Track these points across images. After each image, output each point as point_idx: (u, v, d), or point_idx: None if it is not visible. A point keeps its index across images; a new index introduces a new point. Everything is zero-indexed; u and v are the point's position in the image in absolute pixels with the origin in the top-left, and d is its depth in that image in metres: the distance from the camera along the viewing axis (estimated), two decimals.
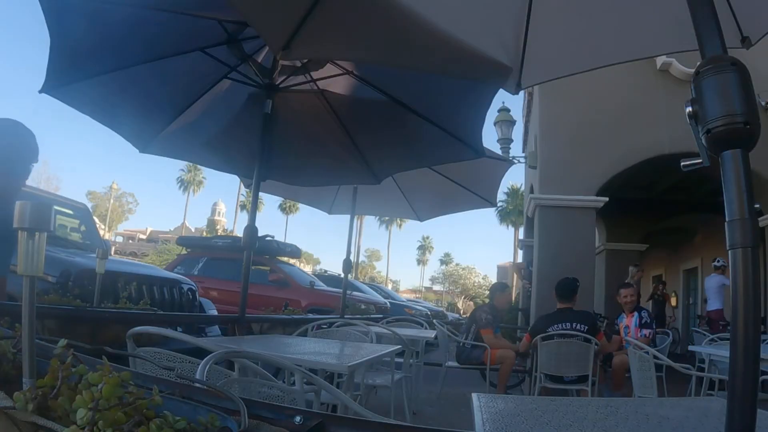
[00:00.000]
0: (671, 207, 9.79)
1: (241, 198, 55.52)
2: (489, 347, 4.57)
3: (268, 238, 8.46)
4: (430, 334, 4.75)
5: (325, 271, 13.54)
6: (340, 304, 8.19)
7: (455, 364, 4.87)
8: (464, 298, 55.50)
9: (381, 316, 7.00)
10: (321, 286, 8.91)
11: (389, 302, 11.08)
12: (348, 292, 10.42)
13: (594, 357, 4.01)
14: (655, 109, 6.70)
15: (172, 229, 64.86)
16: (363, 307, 8.54)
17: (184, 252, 9.61)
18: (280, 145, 3.46)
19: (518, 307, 9.85)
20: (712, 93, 0.88)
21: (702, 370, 3.84)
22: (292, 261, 10.58)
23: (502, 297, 5.14)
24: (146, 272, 4.37)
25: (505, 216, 47.27)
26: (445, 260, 68.45)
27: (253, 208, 3.29)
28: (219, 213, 67.87)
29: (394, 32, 1.88)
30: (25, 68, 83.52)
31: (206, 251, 8.95)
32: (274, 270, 8.48)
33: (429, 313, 12.06)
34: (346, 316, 4.93)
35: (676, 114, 6.23)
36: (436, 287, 67.16)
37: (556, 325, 4.14)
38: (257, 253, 8.37)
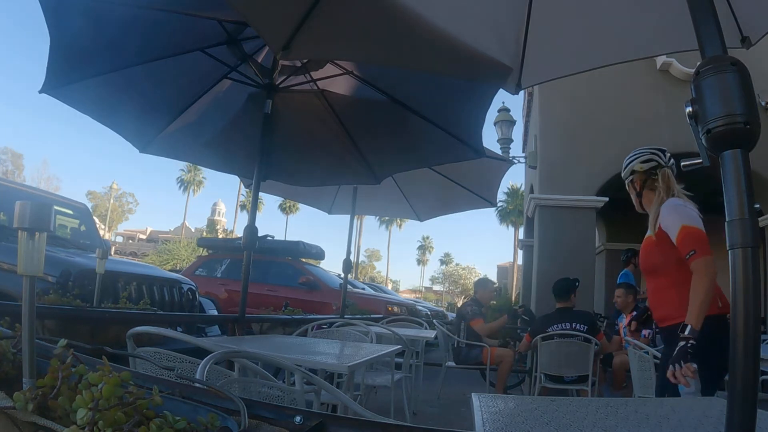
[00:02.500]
0: None
1: (241, 198, 55.57)
2: (483, 338, 4.68)
3: (269, 238, 8.42)
4: (430, 334, 4.75)
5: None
6: (373, 306, 8.16)
7: (455, 364, 4.88)
8: (464, 298, 55.43)
9: (381, 316, 6.98)
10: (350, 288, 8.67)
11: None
12: (383, 294, 10.41)
13: (594, 357, 4.01)
14: (655, 109, 6.69)
15: (172, 229, 64.89)
16: (396, 309, 8.33)
17: (205, 253, 9.39)
18: (280, 145, 3.46)
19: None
20: (712, 93, 0.88)
21: None
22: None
23: (485, 292, 5.25)
24: (146, 272, 4.37)
25: (505, 216, 47.27)
26: (445, 260, 68.48)
27: (253, 208, 3.28)
28: (219, 213, 67.88)
29: (394, 32, 1.88)
30: (25, 69, 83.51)
31: (229, 253, 8.66)
32: (304, 272, 8.18)
33: (429, 313, 12.05)
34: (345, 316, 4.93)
35: (676, 114, 6.23)
36: (436, 287, 67.19)
37: (555, 325, 4.14)
38: (283, 254, 8.34)
